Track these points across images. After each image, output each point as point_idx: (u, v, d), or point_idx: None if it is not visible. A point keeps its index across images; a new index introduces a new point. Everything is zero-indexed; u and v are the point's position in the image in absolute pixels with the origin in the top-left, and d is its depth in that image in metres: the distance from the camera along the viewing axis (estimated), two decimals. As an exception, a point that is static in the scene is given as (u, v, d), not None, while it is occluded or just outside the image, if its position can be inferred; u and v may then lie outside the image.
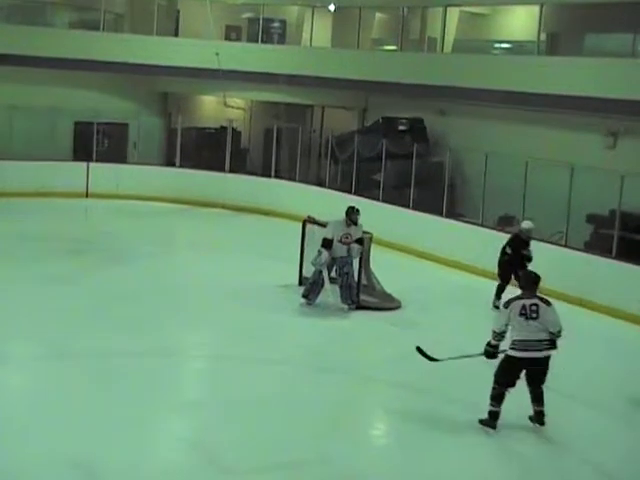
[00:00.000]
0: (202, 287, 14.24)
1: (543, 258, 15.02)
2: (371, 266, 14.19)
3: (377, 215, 17.82)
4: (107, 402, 9.28)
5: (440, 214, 17.56)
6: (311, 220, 14.83)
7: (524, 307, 8.92)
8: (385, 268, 14.52)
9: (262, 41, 23.77)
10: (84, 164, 21.90)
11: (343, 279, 13.41)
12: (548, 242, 15.57)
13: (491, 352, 9.23)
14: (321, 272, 13.38)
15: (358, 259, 13.65)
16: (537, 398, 9.24)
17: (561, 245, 15.37)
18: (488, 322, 12.89)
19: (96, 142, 22.52)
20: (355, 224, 13.36)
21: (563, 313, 12.31)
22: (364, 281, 13.91)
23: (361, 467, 8.29)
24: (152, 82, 23.84)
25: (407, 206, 18.30)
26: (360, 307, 13.47)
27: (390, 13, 24.47)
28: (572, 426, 9.60)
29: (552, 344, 8.97)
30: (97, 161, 22.15)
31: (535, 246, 14.90)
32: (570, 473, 8.58)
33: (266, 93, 23.41)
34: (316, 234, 14.26)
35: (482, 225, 16.81)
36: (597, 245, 15.83)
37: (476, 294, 15.04)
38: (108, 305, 12.88)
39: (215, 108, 24.97)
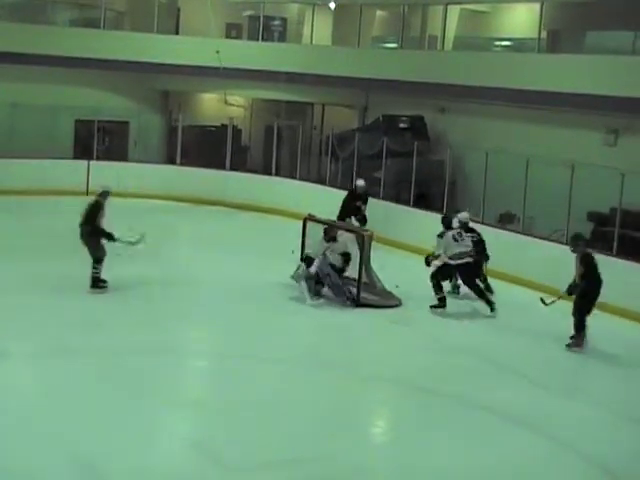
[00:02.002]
0: (202, 285, 14.25)
1: (544, 256, 15.11)
2: (372, 264, 14.21)
3: (378, 212, 17.87)
4: (109, 400, 9.28)
5: (441, 211, 17.54)
6: (312, 218, 14.84)
7: (453, 235, 13.35)
8: (386, 266, 14.53)
9: (263, 39, 23.79)
10: (85, 162, 21.90)
11: (326, 281, 13.67)
12: (549, 239, 15.58)
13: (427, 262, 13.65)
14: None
15: (358, 258, 13.72)
16: (478, 295, 13.45)
17: (562, 243, 15.35)
18: (489, 320, 13.03)
19: (97, 140, 22.53)
20: (334, 240, 13.82)
21: (563, 311, 12.45)
22: (365, 279, 13.93)
23: (362, 463, 8.30)
24: (153, 80, 23.85)
25: (408, 204, 18.32)
26: (361, 304, 13.49)
27: (391, 11, 24.51)
28: (575, 424, 9.60)
29: (471, 255, 13.34)
30: (98, 159, 22.17)
31: (536, 244, 14.99)
32: (573, 471, 8.58)
33: (267, 91, 23.42)
34: (317, 232, 14.31)
35: (483, 223, 16.80)
36: (598, 243, 15.81)
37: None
38: (108, 303, 12.88)
39: (216, 106, 25.00)
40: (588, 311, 11.98)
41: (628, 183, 14.23)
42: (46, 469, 7.69)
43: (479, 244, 13.94)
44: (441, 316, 13.31)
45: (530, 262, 15.15)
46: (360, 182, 17.73)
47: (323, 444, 8.63)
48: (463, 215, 14.32)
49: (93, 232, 13.14)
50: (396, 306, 13.72)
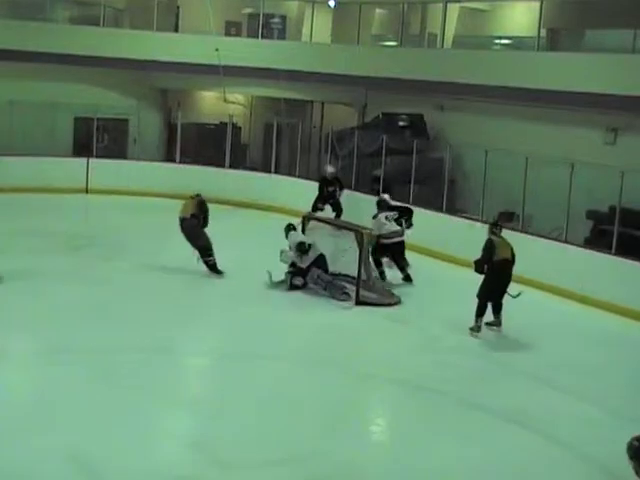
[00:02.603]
0: (201, 283, 14.25)
1: (543, 254, 15.11)
2: (370, 262, 14.21)
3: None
4: (106, 399, 9.28)
5: (440, 210, 17.57)
6: (310, 216, 14.84)
7: (386, 216, 14.82)
8: (384, 264, 14.55)
9: (262, 37, 23.74)
10: (84, 160, 21.90)
11: (319, 283, 13.89)
12: (548, 238, 15.59)
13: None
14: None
15: (358, 255, 13.72)
16: (402, 269, 14.88)
17: (561, 241, 15.36)
18: (489, 317, 13.01)
19: (96, 138, 22.52)
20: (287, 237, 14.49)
21: (562, 309, 12.48)
22: (363, 277, 13.93)
23: (360, 462, 8.31)
24: (152, 78, 23.82)
25: (407, 202, 18.28)
26: (359, 303, 13.50)
27: (390, 9, 24.49)
28: (574, 423, 9.61)
29: (402, 234, 14.87)
30: (97, 157, 22.16)
31: (534, 242, 15.01)
32: (573, 471, 8.58)
33: (266, 89, 23.38)
34: (315, 230, 14.36)
35: (482, 221, 16.80)
36: (597, 241, 15.83)
37: (475, 290, 15.04)
38: (107, 301, 12.88)
39: (215, 104, 24.94)
40: (488, 297, 12.32)
41: (627, 181, 14.23)
42: (43, 465, 7.69)
43: (404, 213, 15.39)
44: (441, 315, 13.34)
45: (530, 260, 15.13)
46: (329, 168, 18.90)
47: (322, 443, 8.63)
48: (383, 196, 15.94)
49: (199, 225, 14.38)
50: (395, 304, 13.73)
